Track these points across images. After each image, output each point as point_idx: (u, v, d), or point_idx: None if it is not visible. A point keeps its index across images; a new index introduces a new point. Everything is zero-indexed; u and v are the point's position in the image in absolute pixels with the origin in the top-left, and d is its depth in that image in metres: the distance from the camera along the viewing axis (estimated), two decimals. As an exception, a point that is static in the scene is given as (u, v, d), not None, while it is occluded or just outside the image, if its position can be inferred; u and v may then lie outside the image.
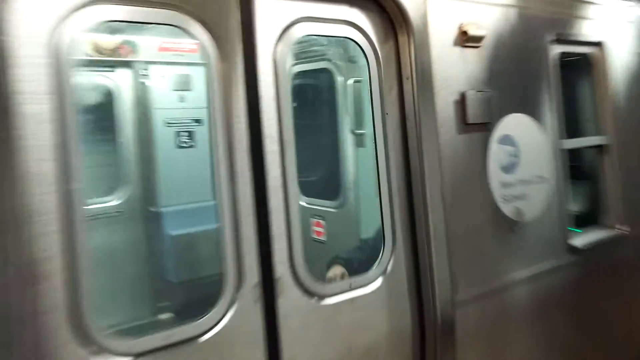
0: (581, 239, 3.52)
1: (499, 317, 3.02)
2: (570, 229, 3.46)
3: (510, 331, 3.08)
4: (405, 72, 2.70)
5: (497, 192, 3.01)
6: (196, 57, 4.62)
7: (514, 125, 3.12)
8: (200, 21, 2.11)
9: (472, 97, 2.89)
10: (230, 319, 2.12)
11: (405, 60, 2.70)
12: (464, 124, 2.87)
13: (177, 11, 2.06)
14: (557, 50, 3.48)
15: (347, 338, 2.47)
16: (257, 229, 2.21)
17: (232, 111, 2.17)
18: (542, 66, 3.35)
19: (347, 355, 2.46)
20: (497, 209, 3.00)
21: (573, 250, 3.43)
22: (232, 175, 2.16)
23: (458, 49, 2.89)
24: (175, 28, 2.10)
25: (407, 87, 2.71)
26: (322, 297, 2.41)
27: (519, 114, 3.16)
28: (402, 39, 2.70)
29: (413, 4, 2.68)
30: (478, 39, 2.94)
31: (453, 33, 2.87)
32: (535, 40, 3.33)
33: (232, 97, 2.16)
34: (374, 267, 2.61)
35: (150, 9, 2.02)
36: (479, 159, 2.95)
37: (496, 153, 3.01)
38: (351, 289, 2.52)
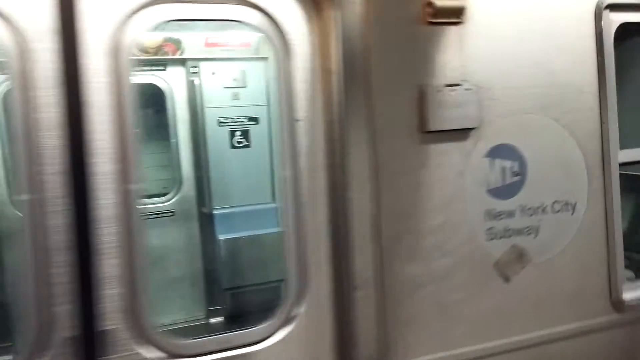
0: (634, 291, 2.49)
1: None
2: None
3: None
4: (328, 63, 1.99)
5: (480, 227, 2.18)
6: (249, 52, 4.35)
7: (519, 131, 2.23)
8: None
9: (437, 94, 2.08)
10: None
11: (329, 47, 1.99)
12: (422, 132, 2.08)
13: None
14: (613, 19, 2.44)
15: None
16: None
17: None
18: (586, 44, 2.35)
19: None
20: (477, 249, 2.18)
21: (619, 306, 2.44)
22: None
23: (422, 28, 2.08)
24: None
25: (333, 83, 2.00)
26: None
27: (532, 116, 2.25)
28: (327, 18, 1.99)
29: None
30: (454, 12, 2.09)
31: (413, 5, 2.07)
32: (574, 6, 2.34)
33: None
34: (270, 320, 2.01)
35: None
36: (448, 181, 2.14)
37: (481, 170, 2.17)
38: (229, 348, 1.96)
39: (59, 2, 1.65)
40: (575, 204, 2.35)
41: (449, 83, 2.10)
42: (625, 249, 2.47)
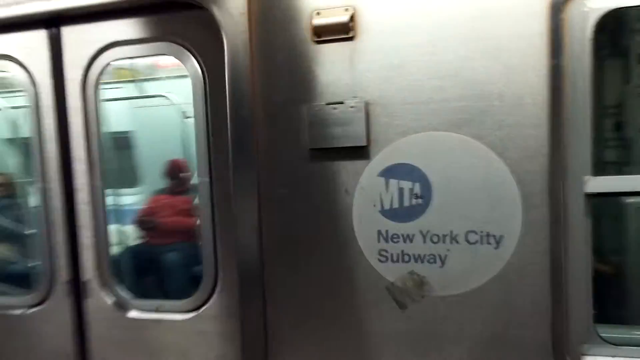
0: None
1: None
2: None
3: None
4: (221, 86, 2.24)
5: (370, 247, 2.12)
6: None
7: (424, 150, 2.03)
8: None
9: (316, 114, 2.09)
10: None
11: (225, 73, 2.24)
12: (308, 149, 2.14)
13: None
14: (592, 7, 1.87)
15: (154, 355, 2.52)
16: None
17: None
18: (530, 45, 1.91)
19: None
20: (368, 269, 2.13)
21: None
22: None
23: (310, 47, 2.11)
24: None
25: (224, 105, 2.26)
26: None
27: (442, 133, 2.01)
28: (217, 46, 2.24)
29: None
30: (339, 28, 2.04)
31: (300, 26, 2.11)
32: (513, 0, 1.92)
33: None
34: (185, 301, 2.46)
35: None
36: (335, 198, 2.14)
37: (373, 189, 2.09)
38: (158, 311, 2.51)
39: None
40: (501, 237, 1.99)
41: (333, 101, 2.09)
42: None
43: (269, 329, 2.25)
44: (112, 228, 4.89)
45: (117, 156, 4.45)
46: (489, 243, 2.00)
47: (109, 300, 2.56)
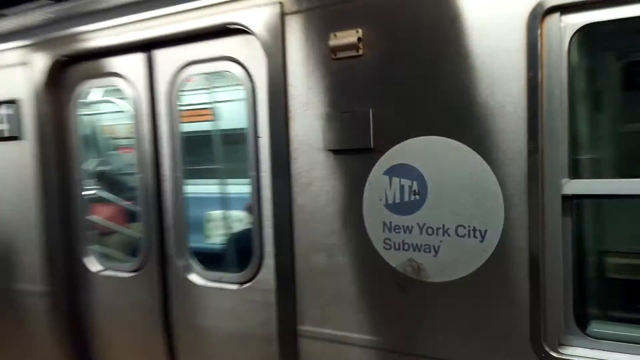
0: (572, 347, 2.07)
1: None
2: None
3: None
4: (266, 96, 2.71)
5: (377, 236, 2.45)
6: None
7: (422, 153, 2.32)
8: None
9: (329, 120, 2.47)
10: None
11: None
12: (328, 150, 2.53)
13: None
14: (568, 22, 2.03)
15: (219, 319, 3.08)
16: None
17: None
18: (512, 59, 2.11)
19: (213, 330, 3.08)
20: (374, 255, 2.46)
21: (544, 356, 2.13)
22: None
23: (329, 64, 2.49)
24: None
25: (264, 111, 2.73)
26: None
27: (436, 138, 2.28)
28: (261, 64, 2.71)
29: (263, 24, 2.62)
30: (349, 47, 2.40)
31: (323, 46, 2.50)
32: (498, 21, 2.13)
33: None
34: (238, 274, 2.97)
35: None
36: (349, 192, 2.50)
37: (379, 187, 2.42)
38: (219, 281, 3.05)
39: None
40: (486, 231, 2.21)
41: (345, 109, 2.45)
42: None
43: (297, 300, 2.68)
44: (218, 213, 5.65)
45: (230, 150, 5.20)
46: (475, 237, 2.24)
47: (183, 270, 3.17)
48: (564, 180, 2.09)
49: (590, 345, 2.12)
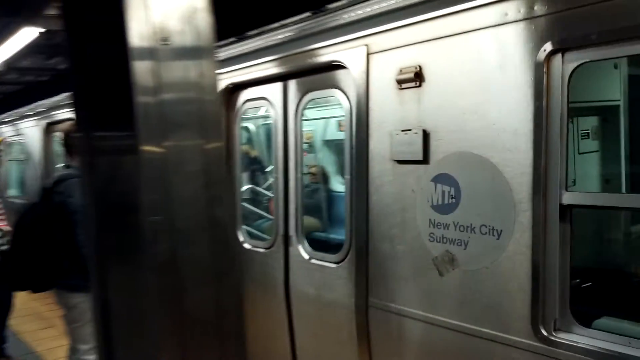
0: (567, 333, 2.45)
1: (419, 345, 3.14)
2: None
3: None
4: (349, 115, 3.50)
5: (424, 230, 3.07)
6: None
7: (458, 164, 2.89)
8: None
9: (395, 136, 3.15)
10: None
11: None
12: (392, 160, 3.21)
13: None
14: (569, 61, 2.45)
15: (320, 289, 3.93)
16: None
17: None
18: (522, 92, 2.59)
19: (316, 299, 3.93)
20: (422, 246, 3.08)
21: (542, 337, 2.55)
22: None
23: (397, 92, 3.18)
24: None
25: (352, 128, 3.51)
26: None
27: (469, 153, 2.84)
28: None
29: (354, 62, 3.40)
30: (411, 80, 3.06)
31: (393, 79, 3.19)
32: (511, 62, 2.62)
33: None
34: (335, 255, 3.77)
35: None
36: (405, 195, 3.15)
37: (427, 191, 3.04)
38: (322, 260, 3.89)
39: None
40: (501, 231, 2.70)
41: (405, 128, 3.11)
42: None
43: (369, 277, 3.40)
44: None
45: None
46: (493, 235, 2.75)
47: (300, 249, 4.09)
48: (562, 191, 2.50)
49: (583, 332, 2.49)
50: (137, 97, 1.46)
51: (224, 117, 4.67)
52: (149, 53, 1.44)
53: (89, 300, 3.52)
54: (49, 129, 8.85)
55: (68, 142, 4.22)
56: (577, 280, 3.14)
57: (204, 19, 1.49)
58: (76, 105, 1.88)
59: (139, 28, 1.42)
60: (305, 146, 6.82)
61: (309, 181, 6.02)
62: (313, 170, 6.32)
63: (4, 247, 5.31)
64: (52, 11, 6.08)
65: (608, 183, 3.49)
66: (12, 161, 11.12)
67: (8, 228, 5.55)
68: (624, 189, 3.42)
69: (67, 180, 3.95)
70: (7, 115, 11.55)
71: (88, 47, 1.76)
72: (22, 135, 9.90)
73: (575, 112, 3.35)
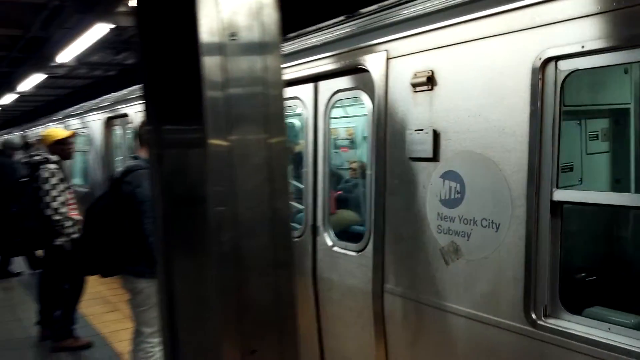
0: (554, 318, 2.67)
1: (428, 329, 3.41)
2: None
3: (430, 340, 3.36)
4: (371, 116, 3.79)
5: (433, 222, 3.33)
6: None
7: (463, 162, 3.14)
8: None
9: (409, 136, 3.42)
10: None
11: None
12: (407, 158, 3.48)
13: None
14: (561, 69, 2.66)
15: (343, 275, 4.24)
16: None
17: None
18: (519, 97, 2.81)
19: (340, 285, 4.25)
20: (431, 236, 3.34)
21: (532, 321, 2.77)
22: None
23: (412, 95, 3.45)
24: None
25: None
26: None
27: (473, 152, 3.08)
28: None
29: (375, 65, 3.68)
30: (424, 83, 3.32)
31: (409, 82, 3.46)
32: (511, 69, 2.85)
33: None
34: (356, 244, 4.08)
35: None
36: (418, 189, 3.42)
37: (436, 186, 3.30)
38: (345, 249, 4.20)
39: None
40: (499, 224, 2.93)
41: (418, 128, 3.38)
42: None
43: (385, 265, 3.70)
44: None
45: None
46: (492, 228, 2.98)
47: (326, 238, 4.41)
48: (553, 189, 2.72)
49: (569, 319, 2.70)
50: (206, 92, 1.46)
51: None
52: (218, 48, 1.44)
53: (154, 286, 3.88)
54: (109, 122, 9.53)
55: (141, 134, 4.52)
56: (583, 274, 3.35)
57: (271, 15, 1.50)
58: (146, 99, 1.93)
59: (209, 24, 1.42)
60: (346, 142, 7.26)
61: (349, 176, 6.30)
62: (353, 165, 6.57)
63: (75, 235, 5.85)
64: (123, 8, 6.51)
65: (619, 182, 3.63)
66: (76, 152, 11.96)
67: (79, 217, 6.09)
68: (633, 189, 3.56)
69: (135, 171, 4.25)
70: (76, 109, 12.43)
71: (159, 43, 1.78)
72: (86, 128, 10.68)
73: (583, 114, 3.52)
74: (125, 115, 8.69)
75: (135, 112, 8.19)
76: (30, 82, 10.18)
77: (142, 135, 4.46)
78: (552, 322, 2.74)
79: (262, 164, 1.60)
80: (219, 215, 1.56)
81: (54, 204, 5.70)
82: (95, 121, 10.18)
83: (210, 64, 1.46)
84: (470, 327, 3.13)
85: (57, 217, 5.71)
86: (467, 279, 3.15)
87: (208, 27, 1.43)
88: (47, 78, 11.91)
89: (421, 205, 3.42)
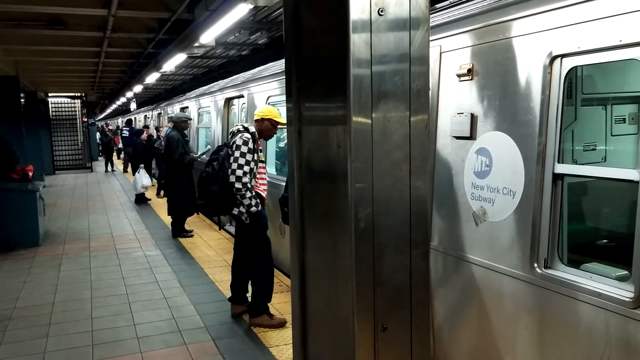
0: (554, 269, 3.28)
1: (460, 278, 4.10)
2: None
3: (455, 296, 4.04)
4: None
5: (468, 190, 4.00)
6: None
7: (492, 141, 3.78)
8: None
9: (454, 117, 4.09)
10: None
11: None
12: (451, 136, 4.16)
13: None
14: (565, 65, 3.22)
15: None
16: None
17: None
18: (534, 88, 3.40)
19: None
20: (466, 202, 4.02)
21: (537, 273, 3.40)
22: None
23: (457, 83, 4.11)
24: None
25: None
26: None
27: (499, 132, 3.71)
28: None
29: (432, 57, 4.36)
30: (466, 74, 3.97)
31: (455, 73, 4.12)
32: (530, 64, 3.43)
33: None
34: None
35: None
36: (459, 162, 4.09)
37: (472, 160, 3.97)
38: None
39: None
40: (515, 192, 3.55)
41: (460, 112, 4.04)
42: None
43: (430, 224, 4.42)
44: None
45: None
46: (510, 195, 3.61)
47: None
48: (555, 163, 3.30)
49: (563, 269, 3.30)
50: (352, 69, 1.36)
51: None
52: (366, 25, 1.37)
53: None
54: (228, 102, 10.91)
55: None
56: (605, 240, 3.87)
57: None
58: (288, 76, 1.85)
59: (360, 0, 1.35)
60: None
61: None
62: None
63: (254, 209, 5.66)
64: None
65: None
66: (201, 128, 13.62)
67: (264, 193, 6.06)
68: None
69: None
70: (207, 88, 14.01)
71: (306, 21, 1.67)
72: (210, 106, 12.21)
73: (610, 100, 3.97)
74: (241, 96, 9.97)
75: (249, 93, 9.41)
76: (173, 62, 11.26)
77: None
78: (549, 272, 3.35)
79: (402, 142, 1.52)
80: (358, 192, 1.49)
81: (239, 172, 5.49)
82: (218, 101, 11.65)
83: (358, 40, 1.40)
84: (491, 277, 3.80)
85: (238, 185, 5.48)
86: (490, 238, 3.80)
87: (359, 2, 1.37)
88: (186, 58, 12.53)
89: (460, 177, 4.10)
